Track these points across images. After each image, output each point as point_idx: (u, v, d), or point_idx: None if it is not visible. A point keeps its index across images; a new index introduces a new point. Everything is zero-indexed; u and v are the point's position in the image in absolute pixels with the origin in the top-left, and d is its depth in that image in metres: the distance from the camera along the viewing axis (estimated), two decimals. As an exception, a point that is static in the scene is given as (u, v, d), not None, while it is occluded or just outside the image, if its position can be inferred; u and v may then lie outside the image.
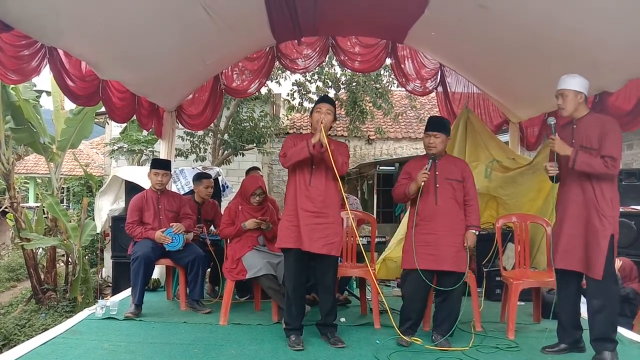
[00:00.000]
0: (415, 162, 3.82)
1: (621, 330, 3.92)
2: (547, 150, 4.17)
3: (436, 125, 3.67)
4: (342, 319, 4.10)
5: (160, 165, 4.61)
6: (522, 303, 4.54)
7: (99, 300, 4.31)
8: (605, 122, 3.27)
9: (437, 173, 3.55)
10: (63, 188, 9.24)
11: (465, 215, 3.60)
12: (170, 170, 4.79)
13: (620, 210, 7.13)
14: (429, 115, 4.10)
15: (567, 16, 3.62)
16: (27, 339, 5.62)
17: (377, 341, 3.59)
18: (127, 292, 4.83)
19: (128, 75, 4.58)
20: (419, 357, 3.26)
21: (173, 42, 4.50)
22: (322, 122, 3.40)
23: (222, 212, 5.49)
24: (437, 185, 3.57)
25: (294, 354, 3.31)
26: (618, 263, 4.74)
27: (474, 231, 3.57)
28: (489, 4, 4.04)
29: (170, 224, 4.40)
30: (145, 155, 10.73)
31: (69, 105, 8.01)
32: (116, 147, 10.81)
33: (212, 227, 5.28)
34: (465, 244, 3.54)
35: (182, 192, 5.98)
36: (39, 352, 3.18)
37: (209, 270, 5.00)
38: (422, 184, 3.48)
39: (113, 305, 4.18)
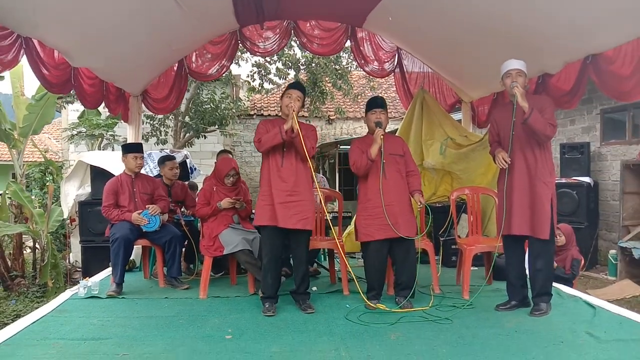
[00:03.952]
0: (362, 140, 4.14)
1: (561, 287, 4.43)
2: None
3: (381, 103, 4.08)
4: (314, 288, 4.44)
5: (138, 148, 4.77)
6: (476, 268, 4.98)
7: (80, 281, 4.47)
8: (543, 99, 3.76)
9: (382, 150, 3.88)
10: (28, 174, 9.12)
11: (409, 183, 4.01)
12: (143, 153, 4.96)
13: (563, 181, 7.79)
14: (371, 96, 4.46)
15: (510, 9, 4.01)
16: (1, 326, 5.73)
17: (347, 305, 3.95)
18: (105, 273, 5.01)
19: (97, 62, 4.67)
20: (385, 318, 3.61)
21: (140, 29, 4.62)
22: (293, 110, 3.68)
23: (193, 194, 5.73)
24: (384, 161, 3.90)
25: (273, 319, 3.62)
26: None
27: (419, 194, 3.99)
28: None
29: (147, 206, 4.58)
30: (106, 139, 10.66)
31: (29, 91, 7.94)
32: (75, 132, 10.69)
33: (183, 208, 5.46)
34: (418, 205, 3.95)
35: (151, 176, 6.11)
36: (32, 330, 3.36)
37: (183, 249, 5.21)
38: (381, 139, 3.81)
39: (94, 285, 4.35)
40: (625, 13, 3.47)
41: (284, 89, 4.01)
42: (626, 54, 3.74)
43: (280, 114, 4.06)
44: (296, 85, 3.98)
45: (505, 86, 3.70)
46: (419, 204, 3.94)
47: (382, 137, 3.83)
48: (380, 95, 14.08)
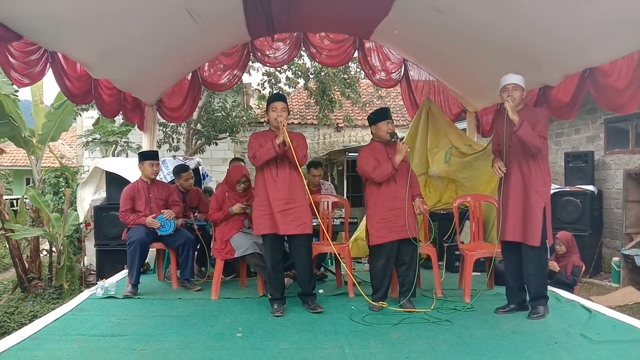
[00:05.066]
0: (371, 148, 4.28)
1: (560, 292, 4.57)
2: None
3: (390, 114, 4.32)
4: (321, 291, 4.62)
5: (154, 156, 5.00)
6: (478, 273, 5.13)
7: (98, 282, 4.69)
8: (537, 112, 3.96)
9: (410, 159, 4.09)
10: (44, 179, 9.40)
11: (411, 187, 4.18)
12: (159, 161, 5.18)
13: (567, 189, 7.90)
14: (379, 107, 4.68)
15: (510, 25, 4.19)
16: (18, 326, 5.95)
17: (352, 307, 4.13)
18: (121, 275, 5.22)
19: (116, 73, 4.92)
20: (389, 319, 3.78)
21: (158, 42, 4.85)
22: (283, 125, 3.88)
23: (208, 198, 5.94)
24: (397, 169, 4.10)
25: (282, 319, 3.81)
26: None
27: (420, 199, 4.18)
28: (445, 9, 4.56)
29: (162, 211, 4.79)
30: (120, 146, 10.94)
31: (47, 99, 8.23)
32: (90, 139, 10.98)
33: (196, 213, 5.66)
34: (417, 211, 4.12)
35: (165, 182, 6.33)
36: (54, 327, 3.57)
37: (196, 252, 5.41)
38: (408, 151, 4.09)
39: (111, 286, 4.57)
40: (619, 30, 3.64)
41: (266, 103, 4.19)
42: (622, 68, 3.90)
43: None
44: (278, 97, 4.19)
45: (503, 100, 3.88)
46: (418, 210, 4.12)
47: (408, 150, 4.07)
48: (388, 103, 14.38)
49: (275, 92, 11.83)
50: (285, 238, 4.13)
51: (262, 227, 4.01)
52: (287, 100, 4.19)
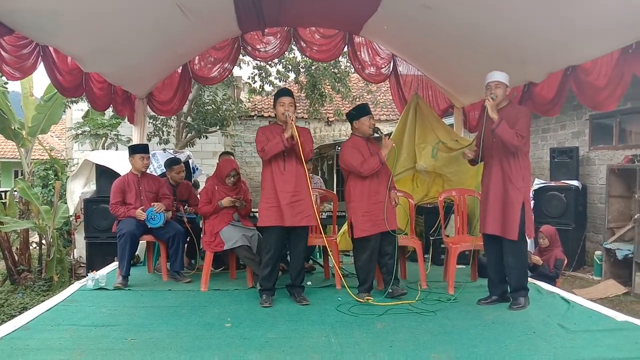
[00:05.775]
0: (354, 143, 4.36)
1: (542, 284, 4.70)
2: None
3: (370, 109, 4.46)
4: (309, 283, 4.71)
5: (145, 149, 5.04)
6: (463, 266, 5.26)
7: (88, 274, 4.74)
8: (519, 110, 4.04)
9: (395, 154, 4.19)
10: (34, 172, 9.39)
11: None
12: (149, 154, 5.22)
13: (552, 184, 8.03)
14: (360, 103, 4.81)
15: (494, 24, 4.28)
16: (8, 318, 5.98)
17: (339, 298, 4.22)
18: (111, 267, 5.28)
19: (108, 67, 4.95)
20: (374, 310, 3.88)
21: (149, 37, 4.89)
22: (292, 119, 3.97)
23: (195, 192, 6.00)
24: None
25: (270, 310, 3.90)
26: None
27: (394, 191, 4.36)
28: (432, 5, 4.64)
29: (152, 204, 4.85)
30: (110, 138, 10.93)
31: (37, 91, 8.22)
32: (80, 132, 10.96)
33: (186, 206, 5.72)
34: (392, 203, 4.29)
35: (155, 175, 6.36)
36: (45, 317, 3.62)
37: (186, 245, 5.47)
38: (394, 146, 4.27)
39: (102, 277, 4.62)
40: (602, 29, 3.72)
41: (274, 97, 4.29)
42: (602, 67, 4.00)
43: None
44: (285, 92, 4.25)
45: (486, 97, 3.98)
46: (393, 202, 4.29)
47: (394, 145, 4.23)
48: (378, 98, 14.48)
49: (265, 85, 11.89)
50: None
51: (268, 219, 4.08)
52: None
